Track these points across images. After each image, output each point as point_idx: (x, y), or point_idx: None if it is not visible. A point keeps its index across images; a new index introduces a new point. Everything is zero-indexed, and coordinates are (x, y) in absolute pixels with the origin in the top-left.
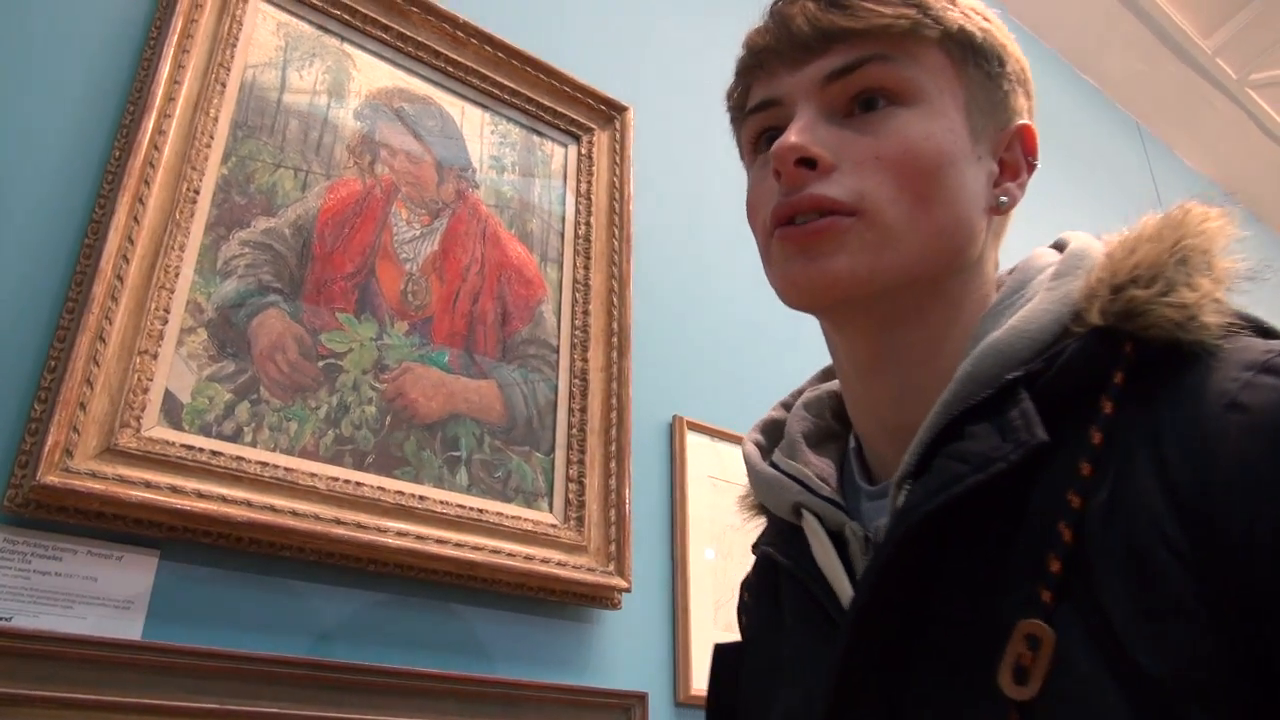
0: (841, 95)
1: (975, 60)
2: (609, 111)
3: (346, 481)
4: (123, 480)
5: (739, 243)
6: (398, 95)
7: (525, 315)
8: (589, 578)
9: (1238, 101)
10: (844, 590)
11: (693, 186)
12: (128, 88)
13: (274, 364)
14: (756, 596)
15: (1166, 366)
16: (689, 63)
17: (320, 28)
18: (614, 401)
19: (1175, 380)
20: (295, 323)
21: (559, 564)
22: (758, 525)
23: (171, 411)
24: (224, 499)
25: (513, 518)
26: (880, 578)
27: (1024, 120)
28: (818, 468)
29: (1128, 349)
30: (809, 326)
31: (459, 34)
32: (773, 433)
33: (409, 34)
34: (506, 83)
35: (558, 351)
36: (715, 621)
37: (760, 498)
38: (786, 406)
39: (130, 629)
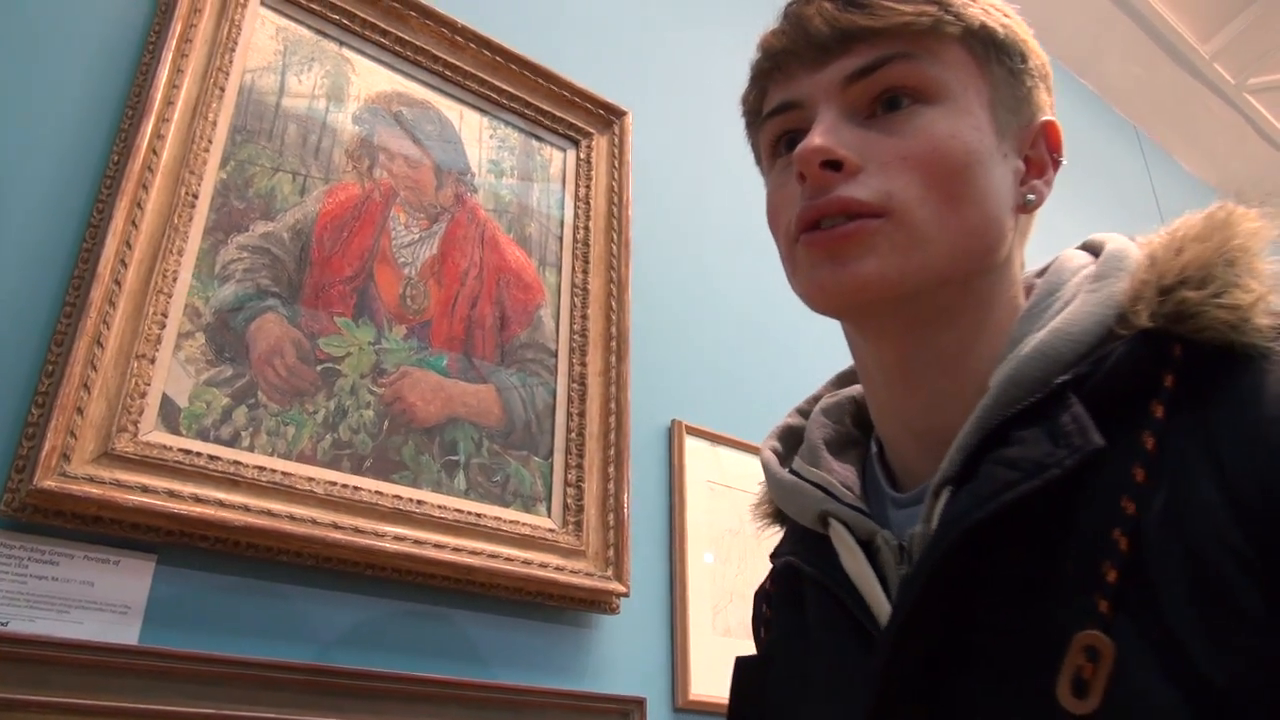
0: (863, 95)
1: (998, 56)
2: (608, 116)
3: (344, 486)
4: (120, 485)
5: (738, 247)
6: (396, 99)
7: (524, 319)
8: (587, 582)
9: (1235, 106)
10: (877, 600)
11: (692, 191)
12: (126, 92)
13: (272, 368)
14: (777, 608)
15: (1218, 369)
16: (688, 68)
17: (319, 32)
18: (613, 406)
19: (1229, 383)
20: (293, 327)
21: (557, 569)
22: (772, 534)
23: (169, 416)
24: (221, 503)
25: (511, 522)
26: (925, 586)
27: (1048, 116)
28: (841, 475)
29: (1176, 351)
30: (808, 330)
31: (458, 38)
32: (789, 440)
33: (408, 38)
34: (505, 87)
35: (556, 356)
36: (714, 626)
37: (782, 505)
38: (803, 413)
39: (127, 634)
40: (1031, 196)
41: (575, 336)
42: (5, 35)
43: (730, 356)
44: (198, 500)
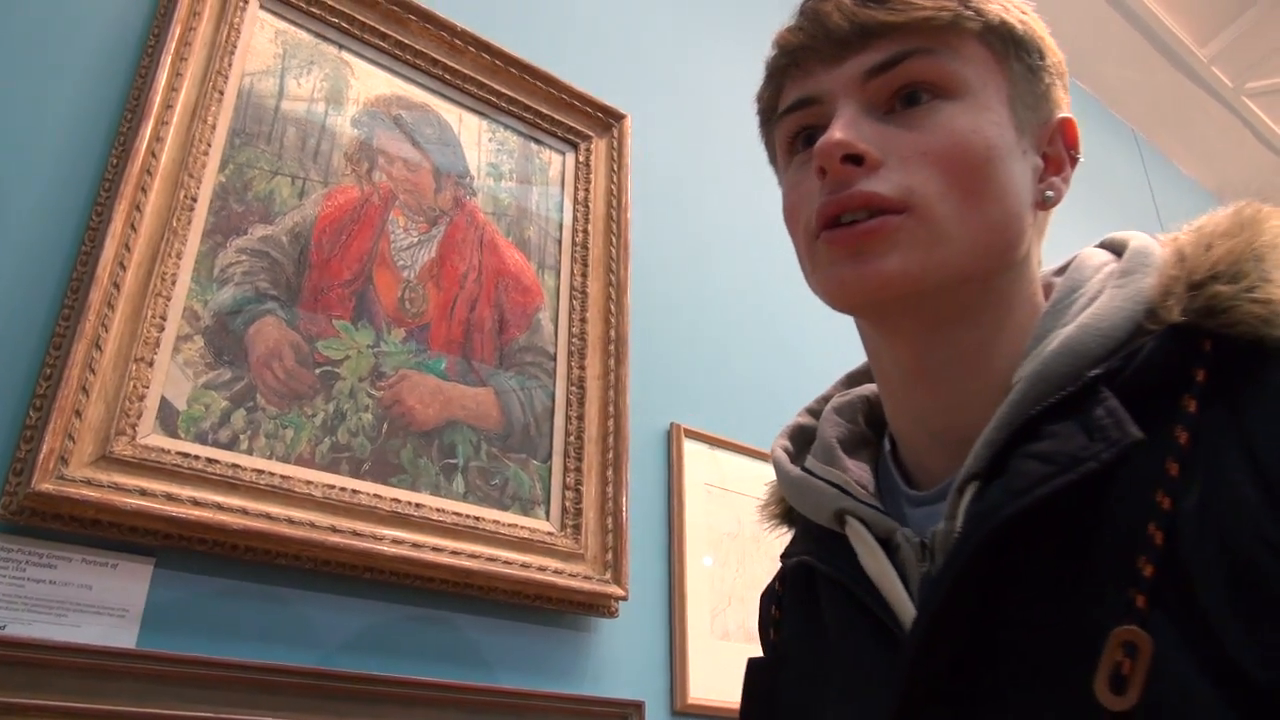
0: (883, 91)
1: (1016, 53)
2: (607, 119)
3: (343, 489)
4: (118, 488)
5: (736, 250)
6: (395, 103)
7: (522, 323)
8: (586, 586)
9: (1233, 109)
10: (899, 598)
11: (690, 194)
12: (125, 95)
13: (270, 371)
14: (788, 609)
15: (1250, 364)
16: (687, 71)
17: (318, 35)
18: (611, 409)
19: (1261, 378)
20: (292, 330)
21: (556, 572)
22: (780, 535)
23: (167, 419)
24: (219, 507)
25: (509, 525)
26: (955, 582)
27: (1065, 114)
28: (856, 474)
29: (1206, 346)
30: (807, 333)
31: (457, 42)
32: (800, 439)
33: (407, 42)
34: (504, 90)
35: (555, 359)
36: (712, 629)
37: (796, 504)
38: (813, 413)
39: (125, 637)
40: (1050, 193)
41: (574, 340)
42: (4, 38)
43: (729, 360)
44: (196, 503)
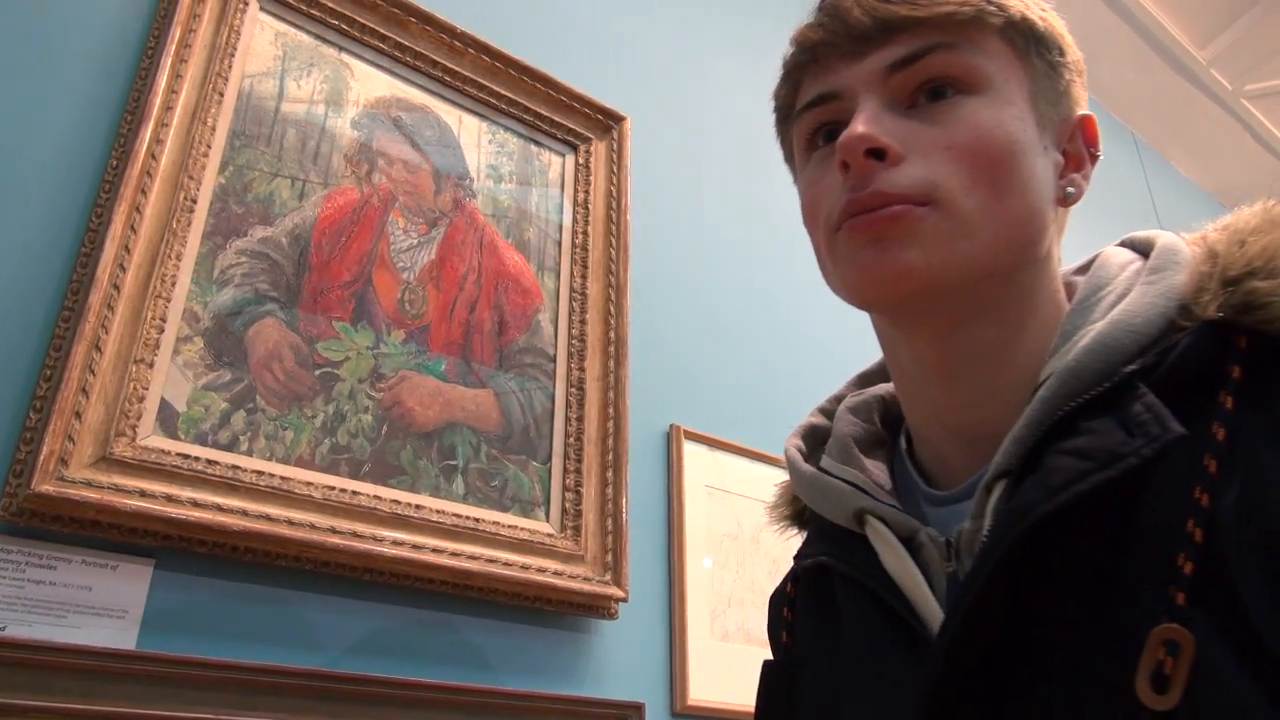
0: (905, 86)
1: (1037, 49)
2: (606, 121)
3: (343, 490)
4: (118, 489)
5: (736, 251)
6: (395, 104)
7: (522, 324)
8: (586, 587)
9: (1232, 112)
10: (924, 598)
11: (690, 195)
12: (125, 97)
13: (270, 373)
14: (803, 610)
15: None
16: (686, 73)
17: (318, 37)
18: (611, 410)
19: None
20: (292, 331)
21: (555, 573)
22: (790, 537)
23: (167, 420)
24: (219, 508)
25: (509, 527)
26: (988, 580)
27: (1084, 111)
28: (873, 473)
29: (1241, 343)
30: (807, 334)
31: (457, 44)
32: (813, 439)
33: (407, 43)
34: (504, 92)
35: (555, 360)
36: (712, 631)
37: (813, 504)
38: (826, 412)
39: (125, 639)
40: (1071, 189)
41: (574, 341)
42: (4, 41)
43: (729, 361)
44: (196, 505)
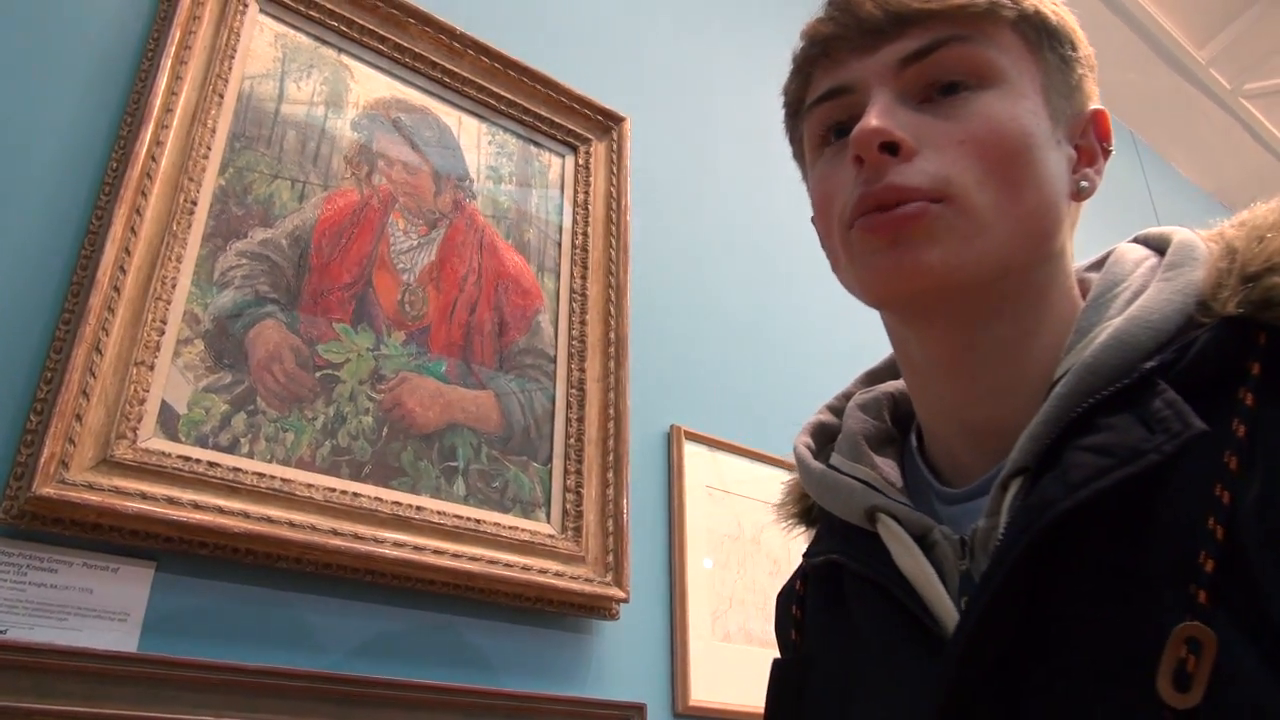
0: (918, 79)
1: (1050, 43)
2: (606, 122)
3: (343, 492)
4: (119, 492)
5: (736, 252)
6: (395, 106)
7: (522, 325)
8: (587, 588)
9: (1231, 111)
10: (938, 596)
11: (690, 196)
12: (125, 99)
13: (271, 375)
14: (812, 609)
15: None
16: (686, 74)
17: (318, 39)
18: (611, 411)
19: None
20: (292, 333)
21: (556, 574)
22: (798, 535)
23: (168, 423)
24: (220, 510)
25: (510, 528)
26: (1007, 578)
27: (1097, 105)
28: (884, 471)
29: (1261, 340)
30: (807, 335)
31: (456, 45)
32: (821, 436)
33: (406, 45)
34: (503, 93)
35: (555, 361)
36: (713, 631)
37: (823, 502)
38: (835, 410)
39: (126, 641)
40: (1085, 184)
41: (574, 342)
42: (4, 42)
43: (729, 362)
44: (197, 507)
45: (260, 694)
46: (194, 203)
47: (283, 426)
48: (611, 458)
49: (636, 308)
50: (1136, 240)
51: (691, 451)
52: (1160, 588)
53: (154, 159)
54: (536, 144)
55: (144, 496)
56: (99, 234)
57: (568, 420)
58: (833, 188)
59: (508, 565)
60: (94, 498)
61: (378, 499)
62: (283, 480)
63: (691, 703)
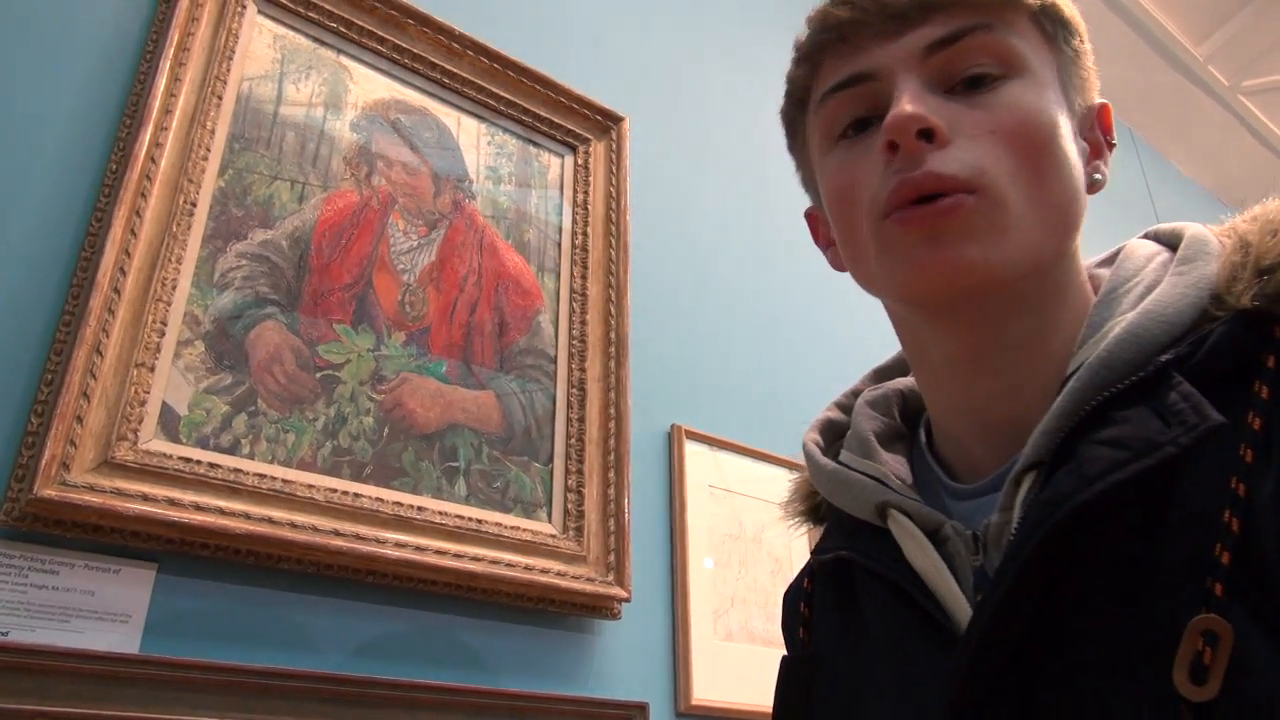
0: (944, 68)
1: (1065, 35)
2: (605, 122)
3: (345, 493)
4: (120, 493)
5: (736, 251)
6: (394, 107)
7: (523, 325)
8: (588, 588)
9: (1230, 108)
10: (951, 593)
11: (690, 195)
12: (124, 100)
13: (271, 376)
14: (821, 606)
15: None
16: (685, 73)
17: (317, 40)
18: (612, 411)
19: None
20: (292, 334)
21: (558, 574)
22: (803, 533)
23: (169, 424)
24: (222, 511)
25: (511, 528)
26: (1021, 572)
27: (1102, 100)
28: (893, 467)
29: (1277, 333)
30: (808, 334)
31: (455, 45)
32: (829, 433)
33: (405, 46)
34: (503, 94)
35: (555, 361)
36: (715, 631)
37: (832, 498)
38: (843, 407)
39: (128, 643)
40: (1098, 176)
41: (574, 342)
42: (4, 42)
43: (729, 361)
44: (198, 508)
45: (262, 695)
46: (193, 204)
47: (284, 427)
48: (613, 457)
49: (636, 307)
50: (1147, 236)
51: (692, 451)
52: (1176, 581)
53: (153, 160)
54: (536, 144)
55: (145, 498)
56: (99, 236)
57: (569, 420)
58: (855, 178)
59: (509, 565)
60: (95, 499)
61: (379, 500)
62: (284, 481)
63: (694, 702)
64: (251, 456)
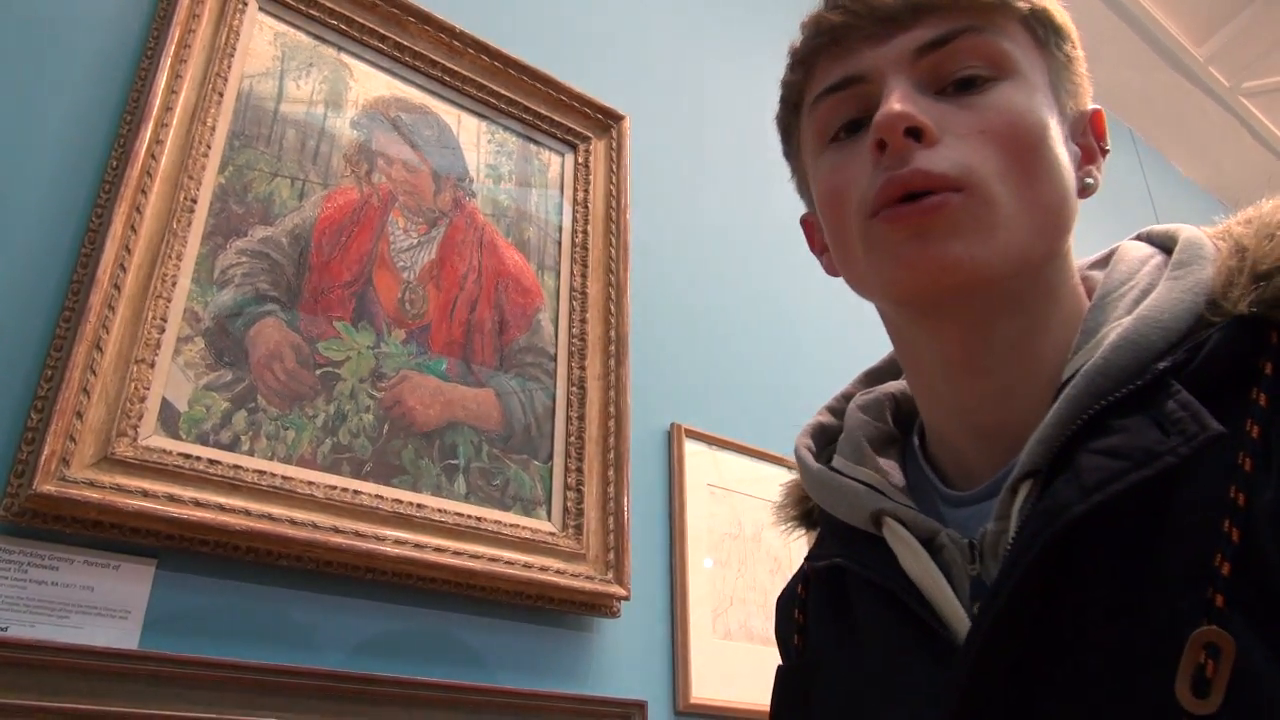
0: (935, 69)
1: (1056, 40)
2: (605, 120)
3: (344, 490)
4: (120, 489)
5: (736, 250)
6: (394, 104)
7: (523, 323)
8: (588, 586)
9: (1230, 109)
10: (947, 601)
11: (689, 194)
12: (125, 97)
13: (271, 372)
14: (815, 614)
15: None
16: (685, 72)
17: (317, 37)
18: (612, 409)
19: None
20: (292, 331)
21: (558, 572)
22: (798, 538)
23: (169, 420)
24: (221, 508)
25: (511, 526)
26: (1021, 583)
27: (1095, 105)
28: (887, 473)
29: (1274, 339)
30: (807, 333)
31: (456, 43)
32: (821, 438)
33: (406, 43)
34: (503, 92)
35: (555, 359)
36: (714, 629)
37: (826, 505)
38: (835, 411)
39: (127, 639)
40: (1090, 180)
41: (574, 340)
42: (4, 42)
43: (729, 359)
44: (198, 504)
45: (261, 691)
46: (194, 201)
47: (283, 424)
48: (612, 456)
49: (636, 306)
50: (1140, 238)
51: (692, 450)
52: (1176, 591)
53: (154, 157)
54: (536, 142)
55: (145, 494)
56: (99, 232)
57: (568, 418)
58: (846, 179)
59: (509, 563)
60: (95, 495)
61: (378, 497)
62: (283, 478)
63: (693, 700)
64: (251, 453)
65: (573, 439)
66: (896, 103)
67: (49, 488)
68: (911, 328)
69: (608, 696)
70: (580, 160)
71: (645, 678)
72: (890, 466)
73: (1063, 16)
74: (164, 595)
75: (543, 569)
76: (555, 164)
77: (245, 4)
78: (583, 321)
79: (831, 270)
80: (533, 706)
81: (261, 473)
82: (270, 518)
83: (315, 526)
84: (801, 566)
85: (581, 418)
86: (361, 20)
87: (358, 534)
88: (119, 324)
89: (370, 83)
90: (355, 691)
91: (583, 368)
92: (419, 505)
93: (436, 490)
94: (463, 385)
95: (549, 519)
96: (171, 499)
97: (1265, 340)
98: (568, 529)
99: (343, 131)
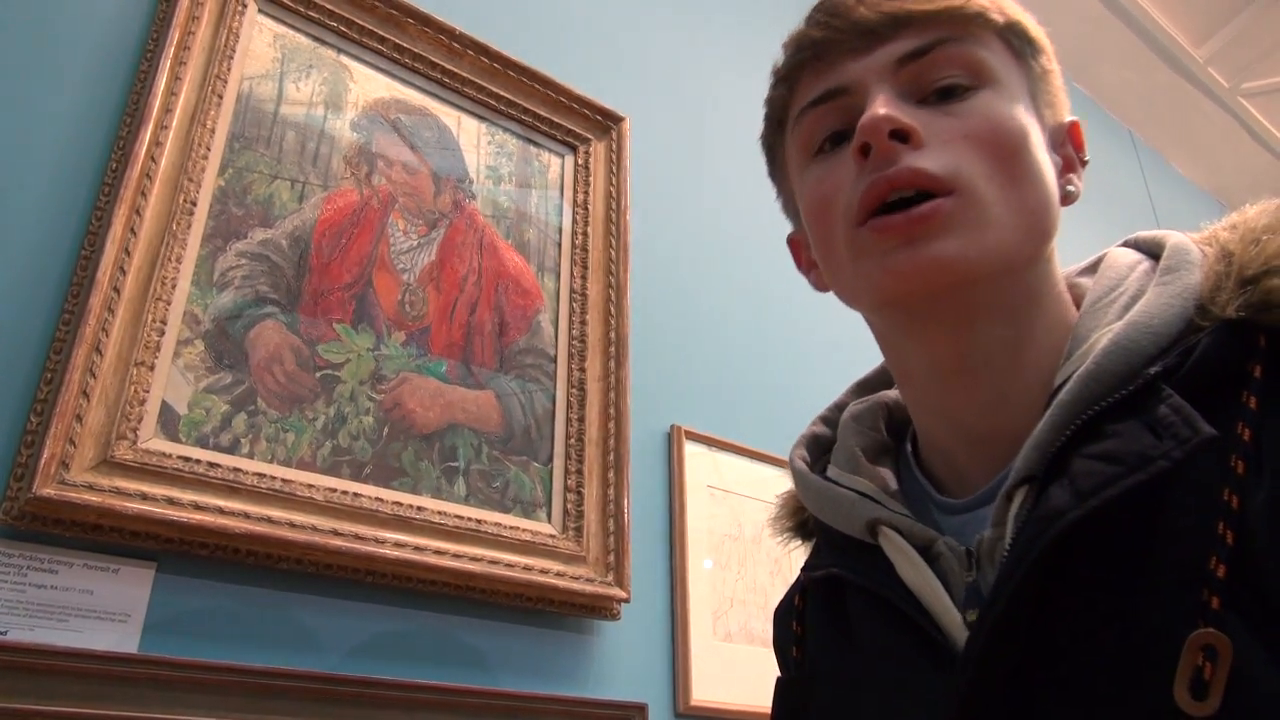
0: (915, 79)
1: (1032, 52)
2: (605, 122)
3: (344, 492)
4: (119, 492)
5: (735, 251)
6: (394, 106)
7: (522, 325)
8: (588, 588)
9: (1230, 110)
10: (945, 609)
11: (689, 196)
12: (124, 99)
13: (271, 375)
14: (813, 624)
15: None
16: (685, 73)
17: (317, 39)
18: (612, 411)
19: None
20: (292, 334)
21: (558, 574)
22: (795, 549)
23: (168, 423)
24: (221, 510)
25: (511, 528)
26: (1019, 589)
27: (1073, 117)
28: (882, 482)
29: (1261, 342)
30: (807, 335)
31: (455, 45)
32: (815, 448)
33: (405, 45)
34: (503, 93)
35: (555, 361)
36: (714, 632)
37: (823, 515)
38: (828, 421)
39: (127, 642)
40: (1071, 188)
41: (574, 342)
42: (4, 42)
43: (729, 362)
44: (197, 507)
45: (261, 694)
46: (193, 203)
47: (283, 427)
48: (612, 458)
49: (636, 307)
50: (1127, 244)
51: (692, 451)
52: (1172, 594)
53: (153, 159)
54: (536, 144)
55: (144, 497)
56: (99, 234)
57: (568, 420)
58: (832, 188)
59: (508, 565)
60: (94, 498)
61: (378, 499)
62: (283, 481)
63: (693, 702)
64: (251, 456)
65: (573, 441)
66: (880, 107)
67: (48, 491)
68: (899, 335)
69: (608, 699)
70: (580, 162)
71: (645, 680)
72: (885, 475)
73: (1037, 31)
74: (164, 598)
75: (543, 571)
76: (555, 165)
77: (245, 6)
78: (583, 323)
79: (820, 286)
80: (533, 709)
81: (261, 475)
82: (270, 520)
83: (315, 529)
84: (798, 577)
85: (581, 419)
86: (361, 22)
87: (358, 536)
88: (118, 326)
89: (370, 84)
90: (355, 694)
91: (583, 369)
92: (419, 508)
93: (436, 493)
94: (463, 387)
95: (549, 521)
96: (171, 502)
97: (1254, 344)
98: (568, 531)
99: (342, 133)
